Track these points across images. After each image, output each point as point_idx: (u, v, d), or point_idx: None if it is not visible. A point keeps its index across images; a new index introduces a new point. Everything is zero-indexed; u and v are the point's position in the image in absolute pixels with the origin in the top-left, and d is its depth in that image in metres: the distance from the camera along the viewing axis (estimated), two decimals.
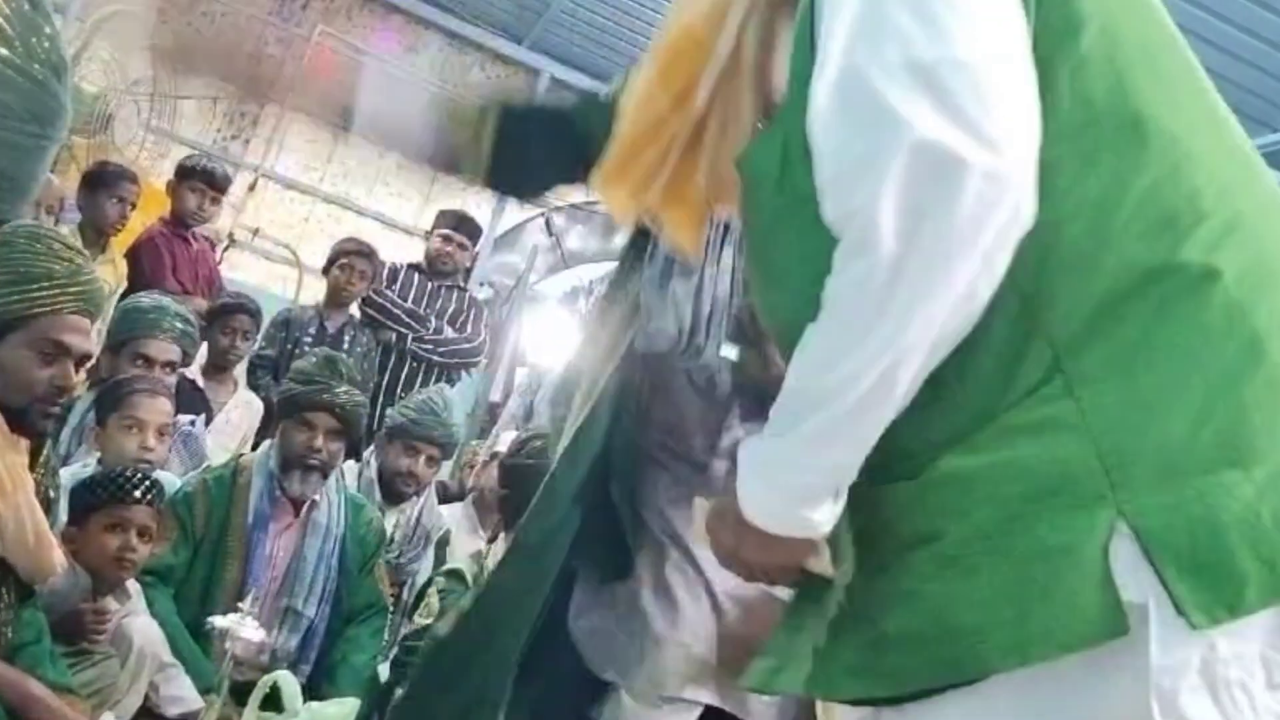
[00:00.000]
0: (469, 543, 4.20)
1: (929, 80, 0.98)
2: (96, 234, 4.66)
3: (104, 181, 4.70)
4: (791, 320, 1.12)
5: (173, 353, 3.72)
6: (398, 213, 8.68)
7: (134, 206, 4.80)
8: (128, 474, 2.71)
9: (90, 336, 2.35)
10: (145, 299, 3.91)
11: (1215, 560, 1.00)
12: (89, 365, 4.14)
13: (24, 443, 2.21)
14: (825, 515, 1.11)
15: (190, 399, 3.98)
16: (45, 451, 2.34)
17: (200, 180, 5.02)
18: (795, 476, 1.10)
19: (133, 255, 4.90)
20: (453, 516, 4.27)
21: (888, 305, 1.00)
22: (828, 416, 1.05)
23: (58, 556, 2.27)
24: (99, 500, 2.65)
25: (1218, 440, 1.02)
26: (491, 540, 3.93)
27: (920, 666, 1.06)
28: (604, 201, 1.40)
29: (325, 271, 5.14)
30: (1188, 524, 1.00)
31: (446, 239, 5.27)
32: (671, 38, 1.27)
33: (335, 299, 5.02)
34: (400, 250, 7.02)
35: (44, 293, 2.19)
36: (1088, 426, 1.02)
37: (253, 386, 4.63)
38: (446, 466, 5.86)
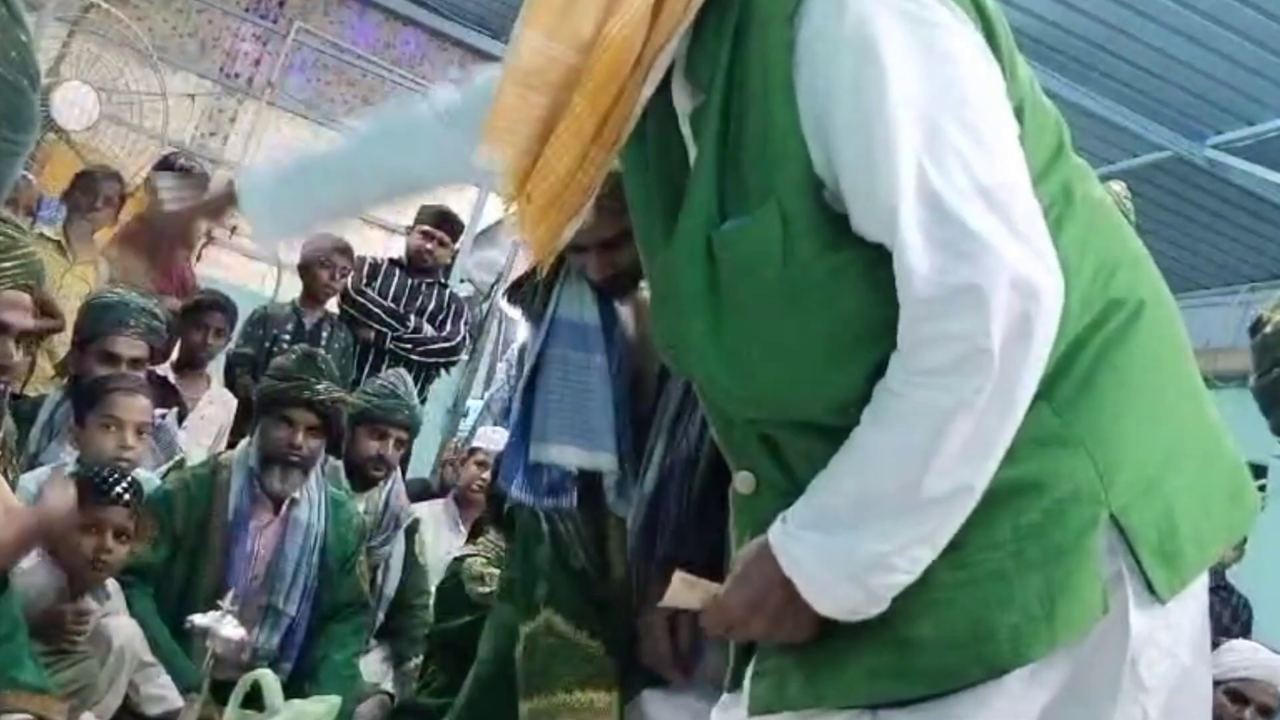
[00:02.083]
0: (449, 539, 4.21)
1: (995, 205, 1.10)
2: (85, 234, 4.65)
3: (94, 183, 4.68)
4: (782, 398, 1.23)
5: (139, 349, 3.70)
6: (377, 209, 8.65)
7: (120, 206, 4.79)
8: (105, 474, 2.69)
9: (29, 313, 2.34)
10: (111, 295, 3.89)
11: (1175, 546, 1.21)
12: (60, 363, 4.16)
13: None
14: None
15: (162, 395, 3.96)
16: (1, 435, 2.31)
17: None
18: (893, 578, 1.15)
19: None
20: (433, 513, 4.27)
21: (992, 418, 1.11)
22: (938, 527, 1.14)
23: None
24: (76, 501, 2.63)
25: (1165, 447, 1.23)
26: (471, 538, 3.92)
27: (957, 665, 1.17)
28: (530, 237, 1.26)
29: (300, 268, 5.12)
30: (1155, 518, 1.20)
31: (427, 235, 5.25)
32: (607, 51, 1.16)
33: (313, 295, 5.00)
34: (381, 247, 7.01)
35: None
36: (1080, 440, 1.18)
37: (231, 384, 4.61)
38: (428, 464, 5.87)
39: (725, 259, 1.20)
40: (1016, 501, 1.16)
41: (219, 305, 4.47)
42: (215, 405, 4.36)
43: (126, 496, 2.67)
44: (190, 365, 4.37)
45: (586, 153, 1.19)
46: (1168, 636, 1.21)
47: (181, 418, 4.08)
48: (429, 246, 5.23)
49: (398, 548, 3.77)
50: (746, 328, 1.22)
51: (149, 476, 3.14)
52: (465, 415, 6.57)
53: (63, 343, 4.26)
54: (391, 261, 5.33)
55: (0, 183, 1.28)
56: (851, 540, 1.15)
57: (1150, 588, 1.19)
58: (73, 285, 4.52)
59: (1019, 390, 1.11)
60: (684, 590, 1.29)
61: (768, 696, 1.26)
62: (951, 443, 1.10)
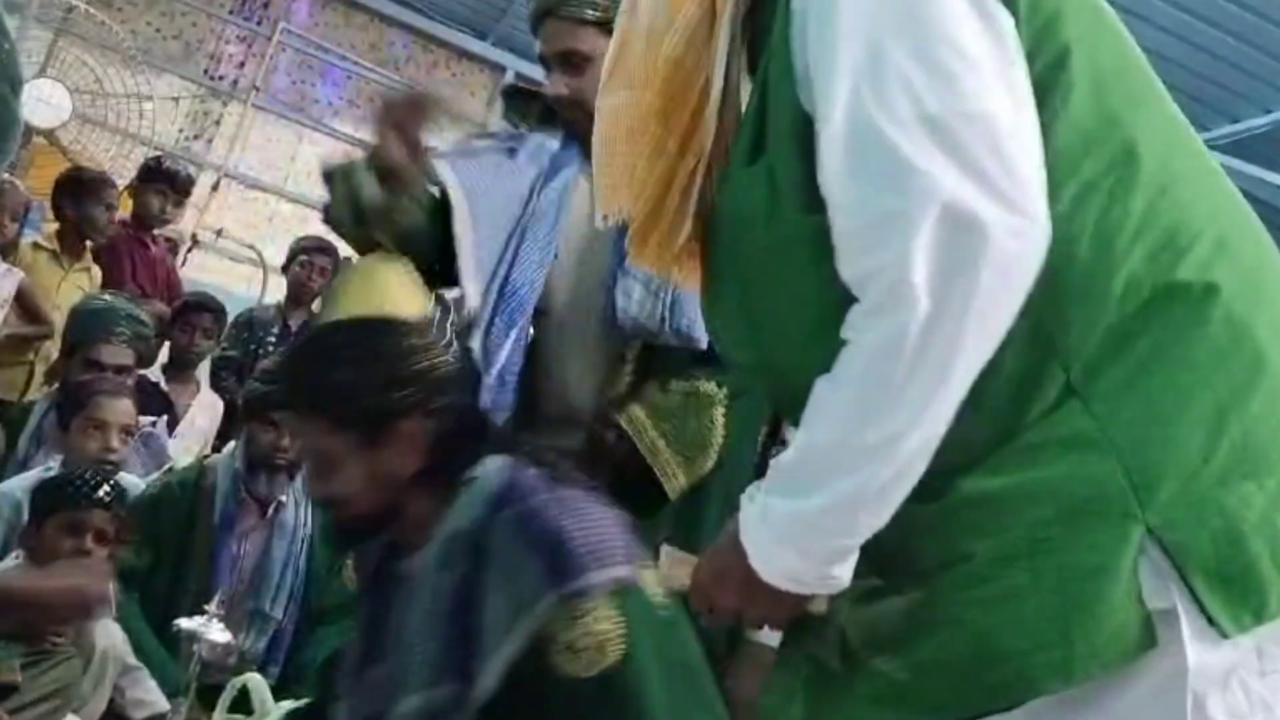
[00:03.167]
0: None
1: (942, 134, 0.99)
2: (77, 240, 4.62)
3: (91, 190, 4.65)
4: (781, 365, 1.15)
5: (125, 356, 3.68)
6: None
7: (113, 214, 4.76)
8: (86, 476, 2.68)
9: None
10: (96, 301, 3.88)
11: (1241, 571, 1.03)
12: (49, 369, 4.13)
13: None
14: (849, 570, 1.10)
15: (152, 399, 3.94)
16: None
17: (163, 182, 4.98)
18: (826, 541, 1.08)
19: (92, 258, 4.86)
20: None
21: (924, 363, 1.00)
22: (867, 480, 1.03)
23: None
24: (56, 503, 2.62)
25: (1232, 454, 1.05)
26: None
27: (963, 693, 1.06)
28: (639, 257, 1.31)
29: (285, 269, 5.12)
30: (1212, 536, 1.03)
31: None
32: (663, 74, 1.19)
33: (296, 296, 4.99)
34: None
35: None
36: (1111, 443, 1.04)
37: (217, 388, 4.58)
38: None
39: (724, 218, 1.18)
40: (1031, 509, 1.04)
41: (207, 306, 4.45)
42: (204, 410, 4.32)
43: (107, 499, 2.65)
44: (178, 367, 4.33)
45: (675, 167, 1.19)
46: (1262, 686, 1.04)
47: (172, 426, 4.06)
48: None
49: None
50: (743, 291, 1.19)
51: (134, 481, 3.12)
52: None
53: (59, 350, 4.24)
54: None
55: None
56: (790, 501, 1.07)
57: (1209, 618, 1.02)
58: (68, 293, 4.48)
59: (961, 337, 0.99)
60: (672, 567, 1.26)
61: (770, 715, 1.22)
62: (875, 387, 1.01)
